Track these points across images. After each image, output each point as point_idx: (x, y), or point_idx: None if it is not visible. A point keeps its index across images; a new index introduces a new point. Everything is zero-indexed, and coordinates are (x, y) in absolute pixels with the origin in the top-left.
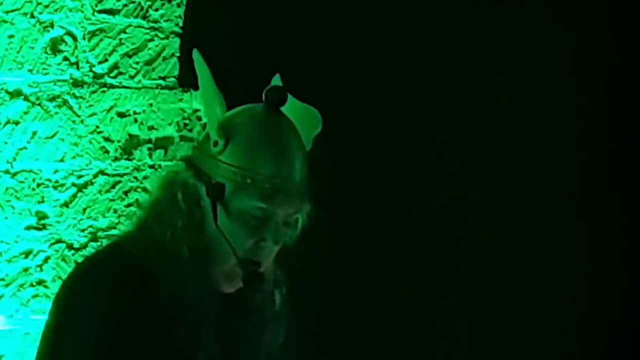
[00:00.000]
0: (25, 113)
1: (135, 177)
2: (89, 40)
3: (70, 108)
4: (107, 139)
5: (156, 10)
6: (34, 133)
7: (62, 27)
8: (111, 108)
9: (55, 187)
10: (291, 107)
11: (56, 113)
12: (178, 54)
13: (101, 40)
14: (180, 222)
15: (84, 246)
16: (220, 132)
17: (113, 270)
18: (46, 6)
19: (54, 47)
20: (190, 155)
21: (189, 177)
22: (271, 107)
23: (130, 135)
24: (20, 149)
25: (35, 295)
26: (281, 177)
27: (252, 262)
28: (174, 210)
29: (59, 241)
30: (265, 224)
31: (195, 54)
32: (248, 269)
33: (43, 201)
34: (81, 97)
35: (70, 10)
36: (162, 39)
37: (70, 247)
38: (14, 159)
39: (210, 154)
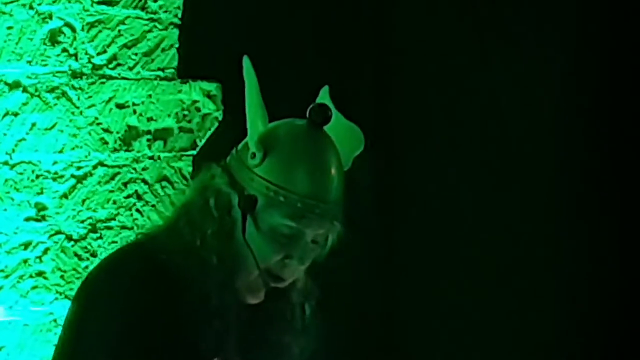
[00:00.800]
0: (24, 104)
1: (134, 169)
2: (88, 31)
3: (69, 99)
4: (106, 130)
5: (155, 1)
6: (33, 124)
7: (60, 19)
8: (110, 99)
9: (54, 179)
10: (334, 124)
11: (55, 104)
12: (177, 45)
13: (100, 31)
14: (210, 229)
15: (84, 237)
16: (259, 144)
17: (137, 270)
18: None
19: (53, 38)
20: (227, 162)
21: (223, 185)
22: (314, 125)
23: (129, 127)
24: (19, 141)
25: (35, 287)
26: (315, 198)
27: (276, 276)
28: (205, 216)
29: (58, 232)
30: (293, 242)
31: (246, 62)
32: (270, 283)
33: (42, 192)
34: (80, 88)
35: (69, 2)
36: (160, 30)
37: (69, 238)
38: (13, 151)
39: (247, 165)
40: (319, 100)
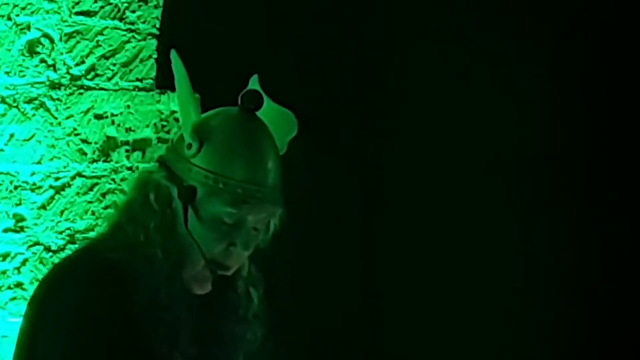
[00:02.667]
0: (2, 115)
1: (112, 179)
2: (66, 42)
3: (48, 110)
4: (84, 141)
5: (133, 12)
6: (11, 135)
7: (38, 29)
8: (88, 110)
9: (32, 190)
10: (267, 110)
11: (33, 115)
12: (155, 56)
13: (78, 42)
14: (153, 224)
15: (62, 248)
16: (194, 134)
17: (88, 274)
18: (23, 8)
19: (31, 49)
20: (164, 156)
21: (162, 179)
22: (246, 111)
23: (108, 137)
24: None
25: (13, 298)
26: (254, 182)
27: (221, 265)
28: (146, 211)
29: (36, 243)
30: (235, 229)
31: (173, 55)
32: (216, 272)
33: (20, 203)
34: (58, 99)
35: (47, 12)
36: (139, 40)
37: (48, 249)
38: None
39: (184, 157)
40: (249, 87)
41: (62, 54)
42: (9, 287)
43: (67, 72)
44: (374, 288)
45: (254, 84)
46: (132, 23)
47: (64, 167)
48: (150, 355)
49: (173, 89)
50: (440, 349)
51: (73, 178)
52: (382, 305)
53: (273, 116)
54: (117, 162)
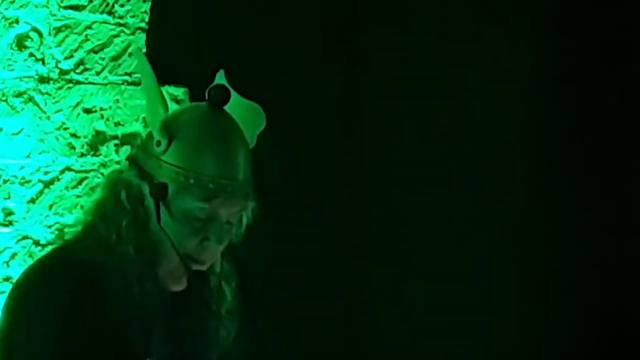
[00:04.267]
0: None
1: (101, 174)
2: (55, 36)
3: (37, 104)
4: (73, 135)
5: (122, 6)
6: (0, 129)
7: (27, 23)
8: (77, 104)
9: (21, 184)
10: (235, 104)
11: (22, 109)
12: (144, 50)
13: (67, 36)
14: (125, 222)
15: (51, 242)
16: (163, 131)
17: (61, 275)
18: (11, 2)
19: (20, 43)
20: (134, 154)
21: (132, 177)
22: (214, 106)
23: (97, 132)
24: None
25: (3, 292)
26: (225, 177)
27: (196, 260)
28: (118, 210)
29: (25, 237)
30: (208, 224)
31: (136, 51)
32: (191, 268)
33: (9, 197)
34: (47, 93)
35: (36, 7)
36: (128, 34)
37: (37, 243)
38: None
39: (153, 154)
40: (216, 82)
41: (51, 48)
42: None
43: (56, 66)
44: (354, 283)
45: (220, 78)
46: (121, 17)
47: (53, 161)
48: (125, 353)
49: (162, 83)
50: (425, 345)
51: (62, 172)
52: (361, 302)
53: (241, 110)
54: (106, 157)
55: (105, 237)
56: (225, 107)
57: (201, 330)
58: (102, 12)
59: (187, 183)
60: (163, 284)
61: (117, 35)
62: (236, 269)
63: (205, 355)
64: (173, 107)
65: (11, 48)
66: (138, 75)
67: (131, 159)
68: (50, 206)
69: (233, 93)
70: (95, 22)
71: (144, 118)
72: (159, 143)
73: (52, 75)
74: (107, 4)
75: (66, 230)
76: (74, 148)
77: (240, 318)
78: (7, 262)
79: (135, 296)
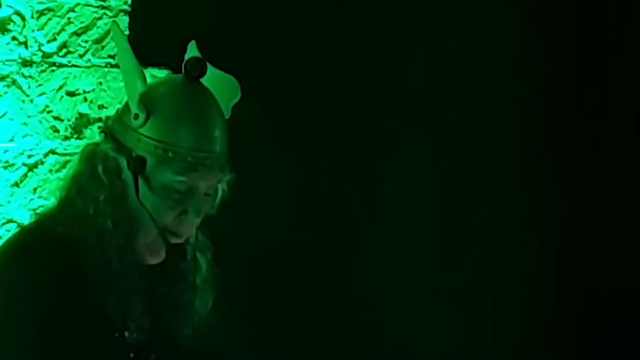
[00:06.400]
0: None
1: None
2: (38, 19)
3: (20, 87)
4: (57, 118)
5: None
6: None
7: (10, 7)
8: (61, 87)
9: (5, 167)
10: (210, 76)
11: (5, 93)
12: (127, 32)
13: (50, 19)
14: (102, 196)
15: None
16: (141, 105)
17: (38, 250)
18: None
19: (2, 26)
20: (110, 126)
21: (109, 150)
22: (191, 78)
23: (80, 114)
24: None
25: None
26: (203, 150)
27: (174, 233)
28: (95, 184)
29: (10, 221)
30: (187, 196)
31: (112, 26)
32: (170, 240)
33: None
34: (30, 76)
35: None
36: (111, 17)
37: (21, 227)
38: None
39: (131, 127)
40: (188, 54)
41: (33, 31)
42: None
43: (39, 50)
44: (335, 253)
45: (192, 50)
46: (104, 0)
47: (37, 144)
48: (104, 326)
49: (145, 66)
50: (409, 328)
51: (46, 155)
52: (339, 270)
53: (215, 82)
54: (90, 139)
55: (82, 211)
56: (201, 79)
57: (178, 302)
58: None
59: (166, 156)
60: (141, 257)
61: (100, 18)
62: (211, 240)
63: (182, 327)
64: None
65: None
66: None
67: (107, 132)
68: (35, 189)
69: (208, 65)
70: (78, 4)
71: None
72: (136, 116)
73: (35, 58)
74: None
75: (39, 211)
76: (57, 131)
77: (217, 289)
78: None
79: (115, 270)
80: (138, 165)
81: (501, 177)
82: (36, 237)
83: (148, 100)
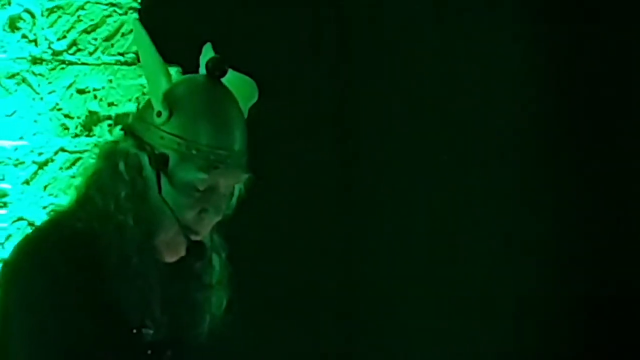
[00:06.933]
0: None
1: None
2: (47, 17)
3: (30, 85)
4: (67, 116)
5: None
6: None
7: (20, 5)
8: (70, 85)
9: (15, 165)
10: (228, 77)
11: (15, 91)
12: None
13: (59, 17)
14: (123, 192)
15: None
16: (164, 102)
17: (57, 247)
18: None
19: (12, 24)
20: (130, 124)
21: (130, 147)
22: (212, 78)
23: (90, 112)
24: None
25: None
26: (224, 148)
27: (193, 231)
28: (116, 181)
29: (20, 219)
30: (207, 194)
31: (135, 24)
32: (190, 238)
33: (4, 179)
34: (40, 74)
35: None
36: (120, 14)
37: (32, 224)
38: None
39: (154, 124)
40: (204, 56)
41: (43, 29)
42: None
43: (49, 47)
44: (344, 253)
45: (208, 52)
46: None
47: (47, 142)
48: (122, 322)
49: None
50: (416, 323)
51: (56, 153)
52: (350, 272)
53: (234, 83)
54: (99, 137)
55: (102, 208)
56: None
57: (193, 300)
58: None
59: (189, 153)
60: (159, 255)
61: (109, 16)
62: (226, 241)
63: (197, 325)
64: None
65: (4, 30)
66: (131, 55)
67: (128, 129)
68: (45, 187)
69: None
70: (88, 2)
71: (137, 98)
72: (159, 114)
73: (45, 56)
74: None
75: (58, 208)
76: (67, 129)
77: (230, 289)
78: (2, 244)
79: (134, 266)
80: (160, 162)
81: (512, 176)
82: (56, 232)
83: (171, 98)
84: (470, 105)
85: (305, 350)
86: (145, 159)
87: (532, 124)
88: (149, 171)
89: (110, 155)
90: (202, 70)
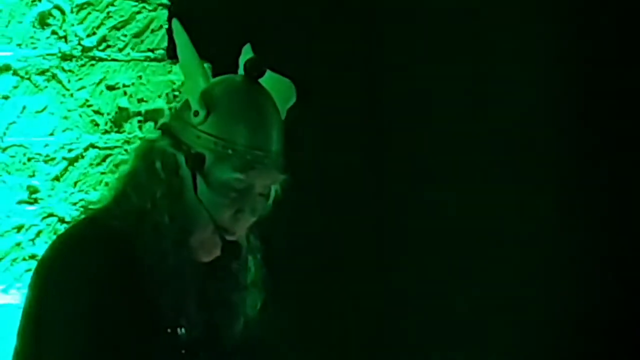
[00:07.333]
0: (15, 87)
1: (125, 150)
2: (77, 13)
3: (60, 82)
4: (96, 112)
5: None
6: (24, 107)
7: (49, 1)
8: (100, 81)
9: (46, 161)
10: (267, 78)
11: (45, 87)
12: (166, 26)
13: (89, 13)
14: (159, 192)
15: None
16: (201, 102)
17: (93, 243)
18: None
19: (42, 21)
20: (168, 123)
21: (167, 146)
22: (250, 78)
23: (120, 108)
24: (10, 124)
25: (28, 270)
26: (261, 149)
27: (228, 231)
28: (152, 180)
29: (50, 215)
30: (243, 195)
31: (175, 23)
32: (225, 238)
33: (34, 175)
34: (70, 70)
35: None
36: (150, 10)
37: (62, 220)
38: (4, 134)
39: (191, 124)
40: (243, 56)
41: (73, 25)
42: (24, 259)
43: (79, 44)
44: (381, 256)
45: (247, 52)
46: None
47: (77, 138)
48: (157, 321)
49: None
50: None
51: (86, 149)
52: (383, 271)
53: (272, 84)
54: (129, 133)
55: (138, 206)
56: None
57: (228, 301)
58: None
59: (226, 153)
60: (195, 254)
61: (139, 12)
62: (261, 241)
63: (231, 326)
64: None
65: (34, 26)
66: (161, 51)
67: (165, 129)
68: (75, 183)
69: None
70: None
71: (166, 94)
72: (196, 113)
73: (74, 52)
74: None
75: (93, 206)
76: (97, 125)
77: (265, 290)
78: (32, 240)
79: (169, 265)
80: (197, 162)
81: (545, 179)
82: (91, 230)
83: (208, 98)
84: (504, 106)
85: (339, 351)
86: (181, 159)
87: (568, 130)
88: (185, 171)
89: (147, 154)
90: (241, 71)
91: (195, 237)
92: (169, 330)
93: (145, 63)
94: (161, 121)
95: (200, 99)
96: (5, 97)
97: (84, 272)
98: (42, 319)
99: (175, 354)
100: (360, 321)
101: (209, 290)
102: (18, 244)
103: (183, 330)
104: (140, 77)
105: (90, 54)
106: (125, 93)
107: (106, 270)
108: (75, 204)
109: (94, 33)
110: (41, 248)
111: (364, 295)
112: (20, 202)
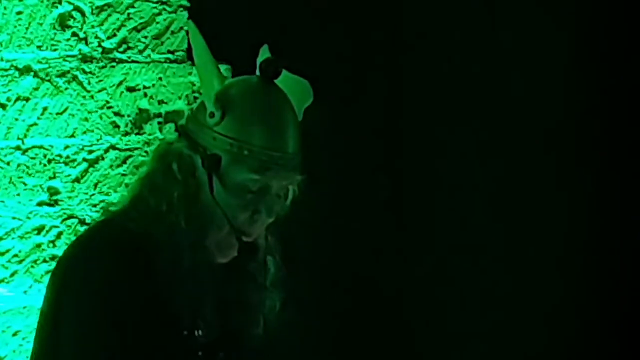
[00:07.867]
0: (35, 89)
1: (146, 152)
2: (97, 15)
3: (80, 83)
4: (117, 114)
5: None
6: (44, 109)
7: (70, 3)
8: (121, 83)
9: (66, 163)
10: (283, 79)
11: (66, 89)
12: (186, 28)
13: (109, 15)
14: (176, 193)
15: None
16: (217, 103)
17: (110, 245)
18: None
19: (63, 22)
20: (184, 125)
21: (184, 148)
22: (266, 79)
23: (140, 110)
24: (31, 125)
25: (49, 271)
26: (277, 149)
27: (245, 232)
28: (169, 181)
29: (71, 217)
30: (260, 196)
31: (190, 25)
32: (242, 239)
33: (54, 177)
34: (90, 72)
35: None
36: (170, 12)
37: (82, 222)
38: (25, 136)
39: (206, 125)
40: (261, 57)
41: (93, 27)
42: (44, 261)
43: (99, 45)
44: (400, 256)
45: (264, 53)
46: None
47: (97, 140)
48: (174, 323)
49: None
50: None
51: (106, 151)
52: (404, 274)
53: (288, 85)
54: (150, 135)
55: (154, 208)
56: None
57: (247, 302)
58: None
59: (241, 154)
60: (211, 256)
61: (159, 14)
62: (280, 242)
63: (250, 327)
64: None
65: (54, 28)
66: (181, 53)
67: (181, 130)
68: (95, 185)
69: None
70: (137, 0)
71: (186, 96)
72: (212, 114)
73: (95, 54)
74: None
75: (111, 208)
76: (117, 127)
77: (285, 291)
78: (52, 242)
79: (186, 267)
80: (213, 163)
81: (570, 186)
82: (108, 232)
83: (224, 99)
84: (524, 113)
85: (358, 352)
86: (197, 160)
87: (591, 134)
88: (201, 172)
89: (163, 155)
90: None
91: (211, 238)
92: (185, 333)
93: (166, 65)
94: (179, 123)
95: (216, 101)
96: (26, 99)
97: (101, 274)
98: (59, 320)
99: (193, 356)
100: (380, 322)
101: (227, 291)
102: (38, 245)
103: (200, 332)
104: (160, 78)
105: (111, 55)
106: (145, 95)
107: (122, 272)
108: (95, 205)
109: (115, 35)
110: (61, 250)
111: (383, 296)
112: (40, 204)
